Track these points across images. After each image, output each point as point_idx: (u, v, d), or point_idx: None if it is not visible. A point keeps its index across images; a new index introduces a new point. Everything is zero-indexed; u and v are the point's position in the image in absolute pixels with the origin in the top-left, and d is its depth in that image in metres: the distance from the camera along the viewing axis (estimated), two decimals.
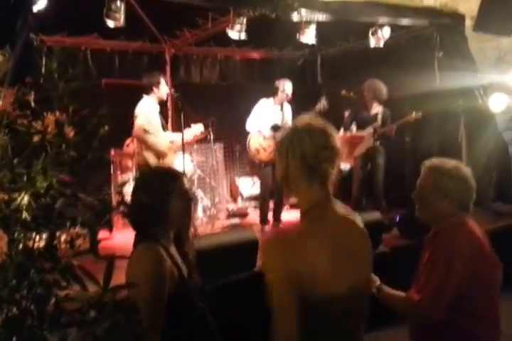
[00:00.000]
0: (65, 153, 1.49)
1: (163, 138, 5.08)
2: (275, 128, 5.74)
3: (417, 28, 6.48)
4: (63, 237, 1.35)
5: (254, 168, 6.08)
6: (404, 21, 6.02)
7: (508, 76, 5.92)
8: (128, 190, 1.96)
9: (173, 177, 2.04)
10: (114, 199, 1.64)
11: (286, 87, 5.75)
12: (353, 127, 6.13)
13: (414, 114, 5.82)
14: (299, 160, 1.60)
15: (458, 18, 6.17)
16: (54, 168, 1.43)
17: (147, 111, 5.07)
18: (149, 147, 4.98)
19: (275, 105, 5.82)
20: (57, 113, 1.50)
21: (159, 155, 4.98)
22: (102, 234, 1.36)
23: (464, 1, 6.17)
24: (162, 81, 5.19)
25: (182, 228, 2.06)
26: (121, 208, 1.59)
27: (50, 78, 1.49)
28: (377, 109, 6.08)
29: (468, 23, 6.08)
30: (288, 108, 5.92)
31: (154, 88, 5.12)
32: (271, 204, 5.93)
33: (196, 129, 5.26)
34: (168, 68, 7.32)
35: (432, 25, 6.30)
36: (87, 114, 1.63)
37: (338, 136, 1.73)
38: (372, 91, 5.97)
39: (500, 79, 5.91)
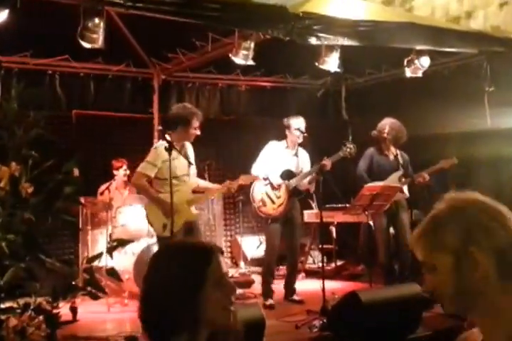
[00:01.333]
0: (20, 215, 1.50)
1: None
2: (288, 175, 5.76)
3: (464, 55, 6.63)
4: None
5: (260, 223, 6.07)
6: (448, 48, 6.13)
7: None
8: (103, 262, 1.93)
9: (206, 255, 1.74)
10: (81, 276, 1.64)
11: (299, 125, 5.81)
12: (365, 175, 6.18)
13: (447, 160, 5.91)
14: (491, 257, 1.38)
15: None
16: (4, 235, 1.44)
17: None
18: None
19: (287, 149, 5.88)
20: (13, 164, 1.52)
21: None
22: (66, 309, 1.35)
23: None
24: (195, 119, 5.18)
25: (219, 329, 1.73)
26: (89, 288, 1.59)
27: (5, 122, 1.52)
28: (394, 153, 6.18)
29: None
30: (304, 153, 5.98)
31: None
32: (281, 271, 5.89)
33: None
34: (155, 98, 7.48)
35: (482, 53, 6.39)
36: (51, 166, 1.66)
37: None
38: (394, 133, 6.04)
39: None
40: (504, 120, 6.09)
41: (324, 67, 5.90)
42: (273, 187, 5.73)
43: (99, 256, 1.98)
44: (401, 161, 6.14)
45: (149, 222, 5.20)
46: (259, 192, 5.75)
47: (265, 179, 5.75)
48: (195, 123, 5.14)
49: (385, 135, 6.08)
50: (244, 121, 7.50)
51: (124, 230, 6.14)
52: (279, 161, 5.82)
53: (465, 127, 6.11)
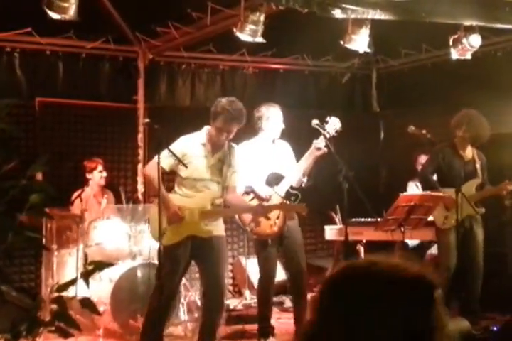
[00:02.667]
0: None
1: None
2: (275, 179, 5.71)
3: None
4: None
5: (256, 245, 6.03)
6: (503, 24, 6.14)
7: None
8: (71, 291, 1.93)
9: (427, 293, 1.49)
10: (46, 307, 1.64)
11: (276, 115, 5.79)
12: (434, 181, 6.20)
13: None
14: None
15: None
16: None
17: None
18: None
19: (263, 146, 5.85)
20: None
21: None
22: None
23: None
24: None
25: None
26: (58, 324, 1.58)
27: None
28: (470, 154, 6.16)
29: None
30: (283, 145, 5.96)
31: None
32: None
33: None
34: (141, 82, 7.50)
35: None
36: (11, 170, 1.67)
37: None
38: (469, 130, 5.99)
39: None
40: None
41: (351, 46, 5.97)
42: (261, 200, 5.69)
43: (71, 283, 1.98)
44: (478, 166, 6.12)
45: (149, 222, 5.31)
46: None
47: (248, 193, 5.69)
48: (220, 123, 5.02)
49: (458, 131, 6.06)
50: (251, 113, 7.52)
51: (99, 250, 6.10)
52: (258, 164, 5.78)
53: None
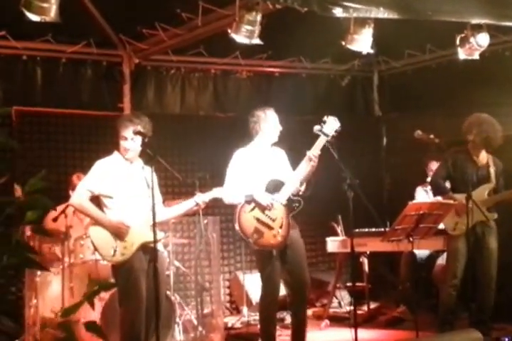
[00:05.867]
0: None
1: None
2: (275, 186, 5.73)
3: None
4: None
5: (258, 258, 6.04)
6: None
7: None
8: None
9: None
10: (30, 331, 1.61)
11: (273, 117, 5.83)
12: (446, 188, 6.28)
13: None
14: None
15: None
16: None
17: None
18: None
19: (260, 151, 5.87)
20: None
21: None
22: None
23: None
24: None
25: None
26: None
27: None
28: (485, 159, 6.24)
29: None
30: (279, 152, 5.98)
31: None
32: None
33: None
34: (126, 88, 7.48)
35: None
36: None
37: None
38: (480, 134, 6.05)
39: None
40: None
41: (353, 47, 6.01)
42: (263, 209, 5.71)
43: (78, 305, 1.94)
44: (492, 171, 6.21)
45: (94, 247, 5.24)
46: (247, 221, 5.72)
47: (249, 202, 5.69)
48: (124, 131, 5.17)
49: (470, 136, 6.12)
50: (245, 120, 7.51)
51: (86, 268, 6.05)
52: (256, 172, 5.81)
53: None
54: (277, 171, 5.82)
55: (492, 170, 6.19)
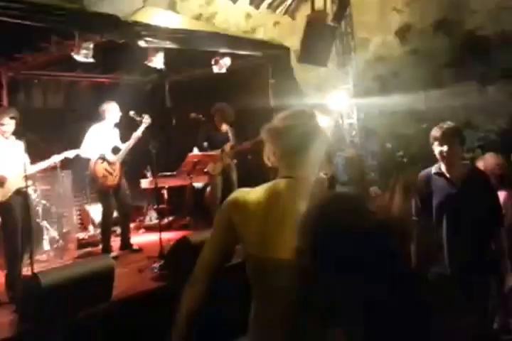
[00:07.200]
0: None
1: None
2: (115, 150, 5.82)
3: (253, 58, 7.19)
4: None
5: (100, 194, 5.94)
6: (242, 51, 6.67)
7: (327, 99, 6.86)
8: None
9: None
10: None
11: (116, 108, 5.85)
12: (206, 146, 6.43)
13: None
14: None
15: (285, 50, 7.06)
16: None
17: None
18: None
19: (108, 129, 5.85)
20: None
21: None
22: None
23: (287, 37, 7.01)
24: None
25: None
26: None
27: None
28: (226, 129, 6.53)
29: (292, 55, 6.89)
30: (116, 130, 6.00)
31: None
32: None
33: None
34: (4, 92, 6.86)
35: (265, 56, 7.13)
36: None
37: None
38: (221, 114, 6.37)
39: (321, 102, 6.75)
40: (282, 104, 6.54)
41: (152, 64, 6.02)
42: (109, 163, 5.71)
43: None
44: (230, 135, 6.47)
45: None
46: (100, 169, 5.65)
47: (102, 159, 5.67)
48: (1, 119, 4.60)
49: (215, 116, 6.42)
50: (87, 112, 7.21)
51: None
52: (105, 140, 5.76)
53: (257, 110, 6.44)
54: (116, 141, 5.86)
55: (230, 135, 6.47)
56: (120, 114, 5.79)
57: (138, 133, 5.76)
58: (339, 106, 6.99)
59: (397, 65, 6.81)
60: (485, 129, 6.17)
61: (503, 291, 3.01)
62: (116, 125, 5.90)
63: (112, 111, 5.76)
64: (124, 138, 5.93)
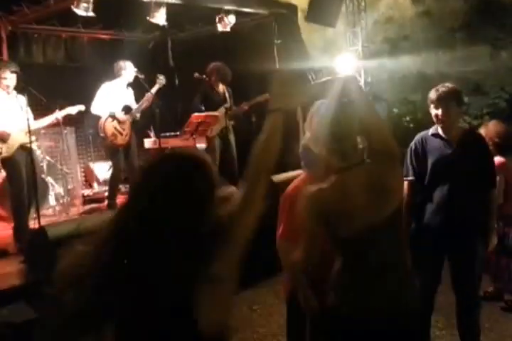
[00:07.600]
0: None
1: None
2: (127, 110, 5.71)
3: (258, 16, 6.96)
4: None
5: (109, 152, 5.91)
6: (247, 9, 6.44)
7: (334, 62, 6.63)
8: None
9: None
10: None
11: (131, 67, 5.74)
12: (202, 107, 6.25)
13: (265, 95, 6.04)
14: None
15: (292, 9, 6.84)
16: None
17: None
18: None
19: (121, 87, 5.76)
20: None
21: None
22: None
23: None
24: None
25: None
26: None
27: None
28: (222, 89, 6.31)
29: (300, 14, 6.66)
30: (130, 90, 5.89)
31: None
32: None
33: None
34: (4, 46, 6.65)
35: (271, 15, 6.88)
36: None
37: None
38: (216, 73, 6.15)
39: (328, 64, 6.56)
40: (287, 65, 6.48)
41: (154, 20, 5.85)
42: (119, 122, 5.62)
43: None
44: (227, 95, 6.22)
45: None
46: (109, 127, 5.60)
47: (112, 117, 5.58)
48: (3, 73, 4.55)
49: (210, 75, 6.13)
50: (88, 68, 7.04)
51: None
52: (117, 99, 5.67)
53: (262, 71, 6.31)
54: (129, 100, 5.79)
55: (227, 95, 6.27)
56: (135, 73, 5.65)
57: (151, 93, 5.64)
58: (347, 68, 6.80)
59: (407, 27, 6.59)
60: (494, 96, 6.02)
61: (487, 251, 3.10)
62: (130, 84, 5.79)
63: (127, 69, 5.65)
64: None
